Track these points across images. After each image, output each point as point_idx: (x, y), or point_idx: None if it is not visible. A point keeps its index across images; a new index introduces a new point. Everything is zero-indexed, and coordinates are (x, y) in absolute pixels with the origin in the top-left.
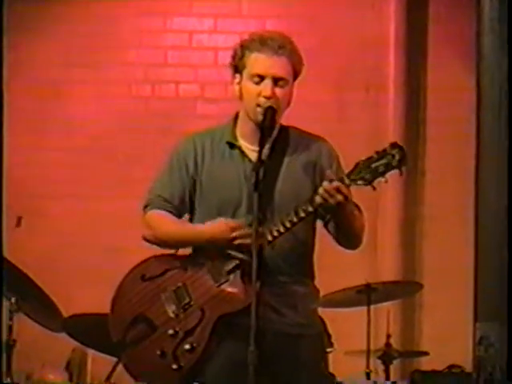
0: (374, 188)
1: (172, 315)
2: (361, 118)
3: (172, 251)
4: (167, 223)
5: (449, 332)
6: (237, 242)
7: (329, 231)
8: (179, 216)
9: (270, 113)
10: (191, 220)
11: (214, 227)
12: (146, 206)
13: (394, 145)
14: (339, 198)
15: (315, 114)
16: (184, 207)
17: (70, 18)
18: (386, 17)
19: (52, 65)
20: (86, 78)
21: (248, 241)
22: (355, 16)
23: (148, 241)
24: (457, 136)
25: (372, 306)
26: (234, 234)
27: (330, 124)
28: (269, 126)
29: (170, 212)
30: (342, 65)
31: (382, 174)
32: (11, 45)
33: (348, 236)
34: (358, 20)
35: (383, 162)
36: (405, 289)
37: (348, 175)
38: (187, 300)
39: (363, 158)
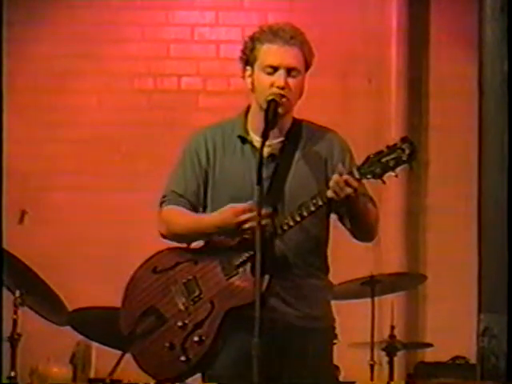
0: (384, 182)
1: (182, 308)
2: (364, 108)
3: (184, 244)
4: (182, 216)
5: (453, 323)
6: (246, 225)
7: (344, 225)
8: (194, 211)
9: (273, 105)
10: None
11: (222, 213)
12: (161, 203)
13: (404, 139)
14: (348, 190)
15: (319, 104)
16: (198, 201)
17: (72, 11)
18: (388, 8)
19: (55, 58)
20: (90, 71)
21: (255, 223)
22: (357, 8)
23: (165, 237)
24: (459, 126)
25: (376, 298)
26: (242, 218)
27: (333, 114)
28: (271, 118)
29: (185, 207)
30: (344, 56)
31: (393, 168)
32: (14, 38)
33: (362, 229)
34: (360, 11)
35: (393, 156)
36: (409, 280)
37: (358, 169)
38: (197, 293)
39: (374, 152)
